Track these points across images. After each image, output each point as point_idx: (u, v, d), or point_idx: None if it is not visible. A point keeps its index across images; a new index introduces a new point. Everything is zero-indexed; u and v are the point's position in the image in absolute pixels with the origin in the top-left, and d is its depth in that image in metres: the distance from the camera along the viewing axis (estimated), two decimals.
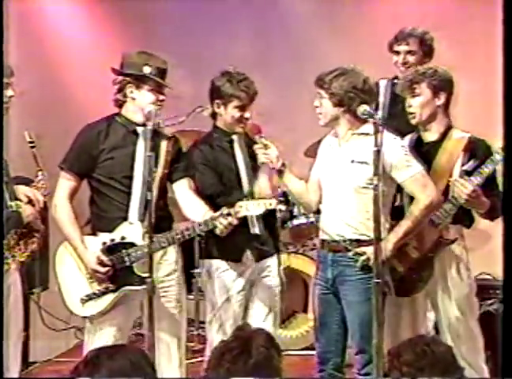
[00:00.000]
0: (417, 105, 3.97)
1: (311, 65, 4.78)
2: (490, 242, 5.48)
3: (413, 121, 4.02)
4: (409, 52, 4.76)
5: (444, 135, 3.99)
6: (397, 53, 4.79)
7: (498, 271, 4.10)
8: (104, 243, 3.92)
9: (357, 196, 3.80)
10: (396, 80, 4.68)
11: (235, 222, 3.78)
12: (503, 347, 2.87)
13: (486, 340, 4.13)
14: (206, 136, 4.33)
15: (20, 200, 3.99)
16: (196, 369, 4.43)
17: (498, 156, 3.77)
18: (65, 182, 4.02)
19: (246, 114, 4.16)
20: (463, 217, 3.97)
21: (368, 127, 3.81)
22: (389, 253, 3.77)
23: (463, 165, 3.93)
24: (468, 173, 3.90)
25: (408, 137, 4.07)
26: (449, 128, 4.01)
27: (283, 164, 3.98)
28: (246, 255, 4.16)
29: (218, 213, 3.80)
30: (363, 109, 3.66)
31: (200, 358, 4.93)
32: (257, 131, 4.13)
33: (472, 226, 4.07)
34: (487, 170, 3.80)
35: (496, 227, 3.82)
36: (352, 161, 3.83)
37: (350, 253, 3.81)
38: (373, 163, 3.48)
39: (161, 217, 3.88)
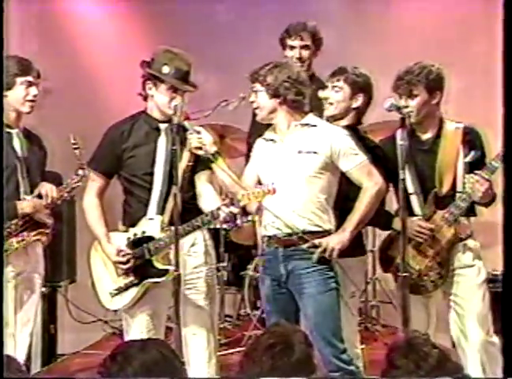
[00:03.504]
0: (414, 105, 3.95)
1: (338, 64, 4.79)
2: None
3: (410, 120, 3.93)
4: (304, 47, 4.75)
5: (439, 131, 4.02)
6: (292, 47, 4.76)
7: None
8: (129, 238, 4.00)
9: (308, 186, 3.82)
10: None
11: (236, 211, 3.76)
12: (503, 347, 2.85)
13: None
14: None
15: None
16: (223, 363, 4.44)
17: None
18: (93, 181, 4.12)
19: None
20: (468, 208, 3.97)
21: (311, 118, 3.90)
22: (347, 242, 3.79)
23: (465, 156, 3.95)
24: (472, 164, 3.92)
25: (399, 134, 3.97)
26: (441, 121, 4.04)
27: (216, 152, 3.93)
28: None
29: (221, 203, 3.83)
30: (389, 103, 3.66)
31: (224, 352, 4.95)
32: (185, 117, 4.02)
33: (476, 215, 4.07)
34: (496, 165, 3.82)
35: None
36: (300, 152, 3.85)
37: (304, 246, 3.80)
38: (399, 157, 3.48)
39: (185, 210, 3.89)
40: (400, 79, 3.96)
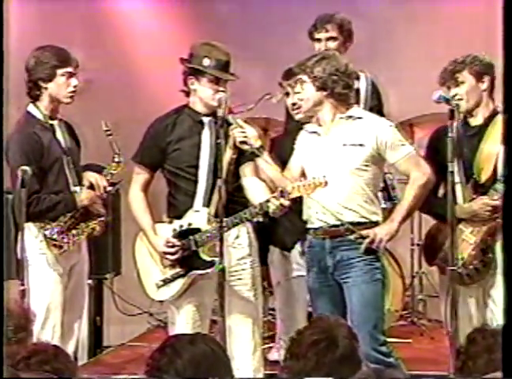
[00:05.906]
0: (463, 93, 3.91)
1: (385, 60, 4.74)
2: None
3: (460, 109, 3.90)
4: (330, 38, 4.74)
5: (489, 120, 3.96)
6: (319, 40, 4.76)
7: None
8: (174, 230, 4.03)
9: (353, 178, 3.81)
10: None
11: (287, 203, 3.76)
12: (503, 347, 2.80)
13: None
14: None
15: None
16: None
17: None
18: (138, 175, 4.15)
19: None
20: None
21: (355, 110, 3.89)
22: (395, 233, 3.80)
23: None
24: None
25: (455, 123, 3.95)
26: (495, 113, 3.97)
27: (261, 146, 3.93)
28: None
29: (271, 195, 3.83)
30: (438, 94, 3.62)
31: (269, 345, 4.94)
32: (229, 111, 4.01)
33: None
34: None
35: None
36: (344, 144, 3.83)
37: (352, 237, 3.79)
38: (449, 151, 3.46)
39: (230, 202, 3.91)
40: (445, 70, 3.92)
